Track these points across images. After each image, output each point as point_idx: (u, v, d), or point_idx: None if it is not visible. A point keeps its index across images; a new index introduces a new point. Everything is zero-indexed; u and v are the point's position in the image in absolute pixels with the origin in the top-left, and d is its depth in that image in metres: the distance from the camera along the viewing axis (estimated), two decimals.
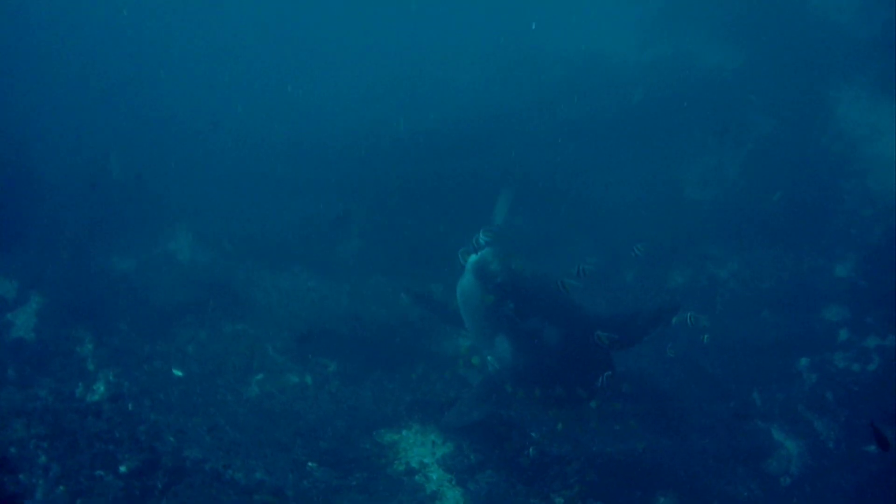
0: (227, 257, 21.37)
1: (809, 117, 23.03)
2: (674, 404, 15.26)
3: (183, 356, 15.51)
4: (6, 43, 35.80)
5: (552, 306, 12.64)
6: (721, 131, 22.88)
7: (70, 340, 14.36)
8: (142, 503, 10.23)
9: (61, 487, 10.26)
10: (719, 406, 15.75)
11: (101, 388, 13.29)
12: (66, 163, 25.21)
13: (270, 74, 35.74)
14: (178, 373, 14.47)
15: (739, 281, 19.43)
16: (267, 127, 30.36)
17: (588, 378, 12.63)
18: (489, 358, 13.32)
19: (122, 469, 10.68)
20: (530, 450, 12.42)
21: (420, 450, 13.09)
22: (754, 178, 21.97)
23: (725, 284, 19.51)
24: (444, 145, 25.37)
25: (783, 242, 19.70)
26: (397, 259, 19.80)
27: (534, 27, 35.50)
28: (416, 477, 12.47)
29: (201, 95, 34.73)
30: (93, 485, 10.32)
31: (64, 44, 36.49)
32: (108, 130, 28.44)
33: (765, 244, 19.92)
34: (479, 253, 12.46)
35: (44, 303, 17.69)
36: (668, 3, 30.87)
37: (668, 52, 29.26)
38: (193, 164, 27.30)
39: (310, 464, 12.39)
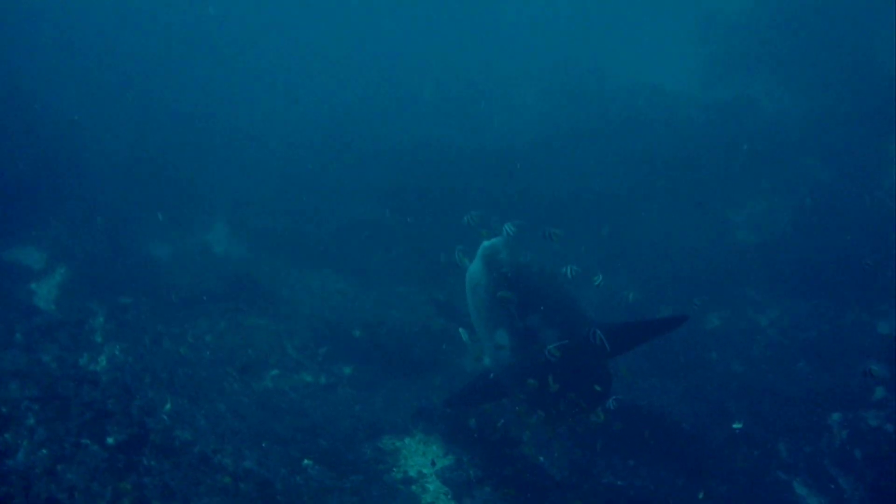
0: (260, 251, 21.22)
1: (866, 170, 22.40)
2: (694, 445, 14.64)
3: (196, 342, 15.27)
4: (70, 33, 36.43)
5: (554, 307, 12.10)
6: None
7: (83, 312, 14.19)
8: (123, 476, 9.92)
9: (44, 451, 10.00)
10: (742, 452, 15.12)
11: (104, 360, 13.07)
12: (112, 147, 25.34)
13: (326, 84, 35.86)
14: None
15: (778, 328, 18.82)
16: (316, 133, 30.45)
17: (583, 386, 12.18)
18: (486, 352, 12.85)
19: (110, 441, 10.40)
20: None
21: (420, 459, 12.66)
22: (805, 226, 21.37)
23: (764, 331, 18.92)
24: (498, 164, 25.23)
25: (827, 293, 19.06)
26: (430, 270, 19.45)
27: None
28: (413, 487, 12.03)
29: (256, 99, 35.01)
30: (76, 452, 10.04)
31: (124, 38, 37.07)
32: (158, 122, 28.63)
33: (808, 293, 19.31)
34: (492, 240, 11.98)
35: (68, 276, 17.63)
36: (732, 45, 30.52)
37: (729, 93, 28.84)
38: (240, 162, 27.39)
39: (305, 461, 12.01)
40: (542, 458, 12.71)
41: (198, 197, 24.42)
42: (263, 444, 12.18)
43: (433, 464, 12.31)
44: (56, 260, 18.31)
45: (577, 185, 23.96)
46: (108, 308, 14.55)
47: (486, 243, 11.93)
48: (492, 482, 11.91)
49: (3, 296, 16.30)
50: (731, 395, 16.29)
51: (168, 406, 11.68)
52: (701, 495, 13.21)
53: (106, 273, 18.07)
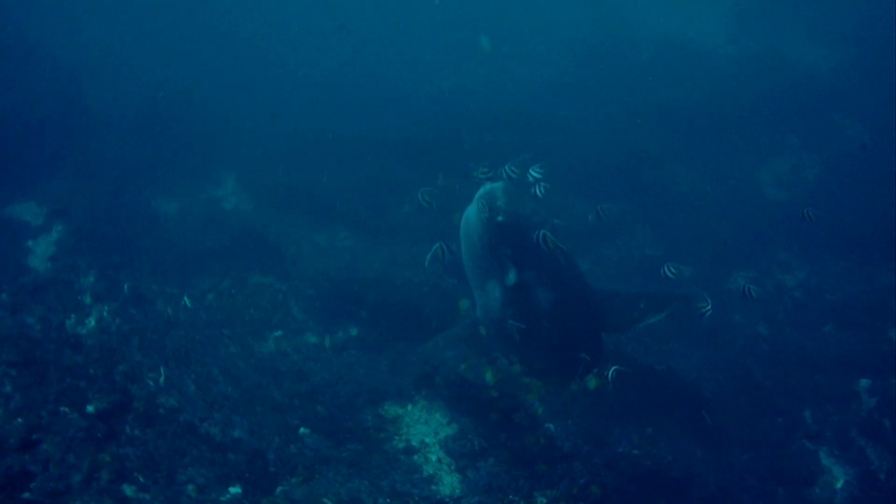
0: (268, 207, 20.57)
1: None
2: (715, 412, 13.97)
3: (194, 302, 14.65)
4: None
5: (550, 265, 11.39)
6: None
7: (72, 271, 13.55)
8: (102, 447, 9.32)
9: (19, 420, 9.40)
10: (766, 420, 14.46)
11: (91, 322, 12.45)
12: (119, 98, 24.73)
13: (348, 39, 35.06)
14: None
15: (805, 290, 18.07)
16: (338, 91, 29.80)
17: (572, 351, 11.68)
18: (477, 303, 12.19)
19: (90, 409, 9.78)
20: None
21: (423, 428, 12.02)
22: (834, 183, 20.47)
23: (790, 292, 18.17)
24: (519, 120, 24.51)
25: (857, 255, 18.25)
26: (444, 227, 18.74)
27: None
28: (415, 457, 11.39)
29: (279, 54, 34.31)
30: (53, 421, 9.43)
31: None
32: (170, 71, 27.94)
33: (837, 254, 18.50)
34: (491, 185, 11.20)
35: (66, 233, 17.08)
36: None
37: (759, 46, 27.86)
38: (259, 115, 26.73)
39: (302, 429, 11.41)
40: (552, 427, 12.03)
41: (209, 151, 23.79)
42: (259, 410, 11.60)
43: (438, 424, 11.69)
44: (55, 216, 17.74)
45: (600, 139, 23.15)
46: (101, 267, 13.94)
47: (484, 187, 11.18)
48: (496, 453, 11.25)
49: None
50: (756, 360, 15.58)
51: (162, 378, 11.06)
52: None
53: (106, 230, 17.50)
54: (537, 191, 11.01)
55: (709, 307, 11.65)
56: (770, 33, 29.13)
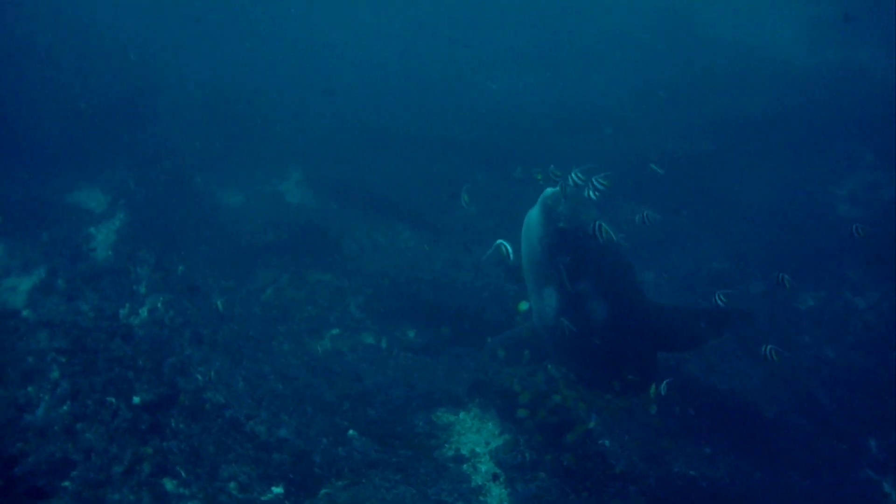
0: (330, 203, 20.39)
1: None
2: (776, 435, 13.48)
3: (249, 296, 14.56)
4: None
5: (609, 276, 11.08)
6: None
7: (130, 260, 13.51)
8: (146, 439, 9.21)
9: (65, 407, 9.34)
10: (829, 445, 13.90)
11: (144, 313, 12.39)
12: (190, 90, 24.77)
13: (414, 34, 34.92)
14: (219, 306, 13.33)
15: (877, 313, 17.40)
16: (402, 87, 29.61)
17: (624, 367, 11.41)
18: (533, 308, 11.84)
19: (136, 400, 9.68)
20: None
21: (475, 437, 11.73)
22: None
23: (861, 315, 17.52)
24: (583, 122, 24.12)
25: None
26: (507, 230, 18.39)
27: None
28: (464, 466, 11.11)
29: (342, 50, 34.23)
30: (99, 410, 9.35)
31: None
32: (239, 64, 28.06)
33: None
34: (556, 188, 10.83)
35: (127, 221, 17.09)
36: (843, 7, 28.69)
37: (837, 56, 27.08)
38: (323, 110, 26.59)
39: (351, 431, 11.19)
40: (607, 443, 11.66)
41: (277, 145, 23.74)
42: (308, 410, 11.42)
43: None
44: (118, 204, 17.80)
45: (670, 146, 22.62)
46: (158, 257, 13.86)
47: (548, 190, 10.81)
48: (547, 467, 10.92)
49: (58, 239, 15.84)
50: (821, 383, 15.03)
51: (213, 372, 10.92)
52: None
53: (168, 220, 17.47)
54: (591, 194, 10.60)
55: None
56: (848, 45, 28.39)
